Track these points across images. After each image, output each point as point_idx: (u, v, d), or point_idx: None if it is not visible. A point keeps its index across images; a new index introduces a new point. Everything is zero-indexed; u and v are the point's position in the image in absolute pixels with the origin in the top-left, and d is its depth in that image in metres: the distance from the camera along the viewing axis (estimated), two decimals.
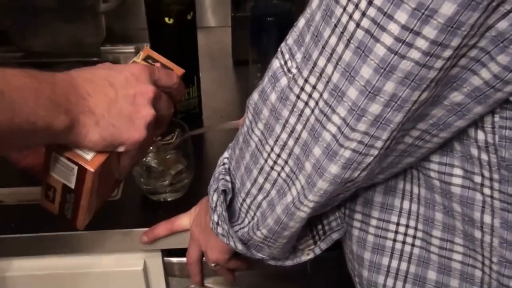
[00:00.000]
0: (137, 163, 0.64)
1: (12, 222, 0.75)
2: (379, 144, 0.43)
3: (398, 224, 0.54)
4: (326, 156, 0.45)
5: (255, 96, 0.51)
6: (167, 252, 0.81)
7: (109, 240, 0.75)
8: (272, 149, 0.49)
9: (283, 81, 0.47)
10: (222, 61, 1.14)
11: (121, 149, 0.53)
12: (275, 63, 0.48)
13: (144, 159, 0.78)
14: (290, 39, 0.48)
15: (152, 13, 0.87)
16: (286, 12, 0.98)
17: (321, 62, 0.43)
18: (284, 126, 0.47)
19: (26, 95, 0.45)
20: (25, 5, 1.09)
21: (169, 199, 0.79)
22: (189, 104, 0.94)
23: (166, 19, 0.86)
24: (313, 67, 0.44)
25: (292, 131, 0.47)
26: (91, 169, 0.51)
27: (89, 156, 0.52)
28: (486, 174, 0.46)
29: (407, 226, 0.53)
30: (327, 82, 0.43)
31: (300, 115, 0.46)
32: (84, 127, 0.49)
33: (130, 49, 1.17)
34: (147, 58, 0.62)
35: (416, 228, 0.53)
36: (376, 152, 0.44)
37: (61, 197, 0.55)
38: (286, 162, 0.49)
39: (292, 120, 0.47)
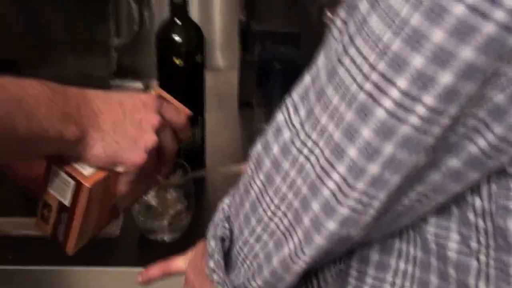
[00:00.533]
0: (136, 197, 0.65)
1: (10, 254, 0.75)
2: (376, 204, 0.44)
3: (393, 284, 0.54)
4: (324, 212, 0.45)
5: (258, 146, 0.52)
6: None
7: (104, 277, 0.75)
8: (271, 200, 0.50)
9: (286, 134, 0.48)
10: (228, 102, 1.15)
11: (120, 168, 0.54)
12: (280, 116, 0.49)
13: (144, 197, 0.79)
14: (295, 94, 0.49)
15: (162, 53, 0.89)
16: (293, 60, 1.00)
17: (324, 120, 0.44)
18: (284, 179, 0.48)
19: (41, 104, 0.47)
20: (39, 37, 1.11)
21: (166, 239, 0.80)
22: (193, 143, 0.95)
23: (176, 60, 0.88)
24: (315, 124, 0.45)
25: (292, 184, 0.48)
26: (87, 185, 0.52)
27: (87, 172, 0.53)
28: (483, 241, 0.47)
29: (402, 286, 0.53)
30: (329, 139, 0.44)
31: (301, 169, 0.47)
32: (91, 139, 0.51)
33: (139, 84, 1.19)
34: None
35: None
36: (373, 212, 0.45)
37: (56, 216, 0.56)
38: (285, 214, 0.49)
39: (293, 174, 0.47)
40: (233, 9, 1.19)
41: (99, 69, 1.18)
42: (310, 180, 0.46)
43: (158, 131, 0.55)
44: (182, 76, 0.90)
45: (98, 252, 0.76)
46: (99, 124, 0.51)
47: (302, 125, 0.46)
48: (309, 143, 0.46)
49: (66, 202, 0.54)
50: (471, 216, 0.47)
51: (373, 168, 0.42)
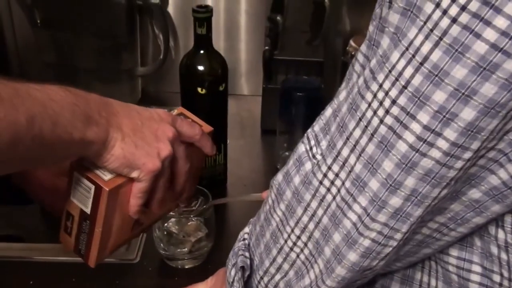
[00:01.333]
0: (157, 215, 0.65)
1: (31, 280, 0.75)
2: (398, 236, 0.44)
3: None
4: (345, 243, 0.45)
5: (279, 177, 0.52)
6: None
7: None
8: (292, 231, 0.50)
9: (308, 165, 0.48)
10: (251, 129, 1.16)
11: (135, 174, 0.55)
12: (301, 148, 0.49)
13: (165, 224, 0.79)
14: (317, 126, 0.49)
15: (186, 82, 0.91)
16: (315, 88, 1.00)
17: (345, 152, 0.44)
18: (305, 209, 0.48)
19: (65, 108, 0.49)
20: (69, 66, 1.14)
21: (186, 267, 0.80)
22: (214, 170, 0.96)
23: (199, 89, 0.89)
24: (336, 156, 0.45)
25: (313, 215, 0.48)
26: (106, 188, 0.54)
27: (107, 177, 0.54)
28: (505, 274, 0.46)
29: None
30: (350, 171, 0.44)
31: (321, 200, 0.47)
32: (111, 139, 0.52)
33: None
34: (179, 115, 0.66)
35: None
36: (395, 244, 0.44)
37: (78, 226, 0.57)
38: (305, 244, 0.49)
39: (314, 205, 0.47)
40: (258, 38, 1.21)
41: (124, 96, 1.21)
42: (331, 211, 0.46)
43: (172, 143, 0.57)
44: (205, 104, 0.90)
45: (118, 277, 0.76)
46: (119, 125, 0.53)
47: (323, 156, 0.46)
48: (331, 175, 0.46)
49: (88, 209, 0.55)
50: (494, 248, 0.46)
51: (395, 201, 0.42)
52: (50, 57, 1.15)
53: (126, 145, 0.53)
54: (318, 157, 0.47)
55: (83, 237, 0.57)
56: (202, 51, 0.88)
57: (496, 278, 0.46)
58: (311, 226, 0.48)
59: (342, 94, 0.47)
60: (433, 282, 0.52)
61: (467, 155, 0.39)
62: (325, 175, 0.46)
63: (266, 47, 1.10)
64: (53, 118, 0.47)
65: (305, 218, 0.48)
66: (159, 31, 1.21)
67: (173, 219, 0.79)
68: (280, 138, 1.02)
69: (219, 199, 0.80)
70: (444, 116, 0.38)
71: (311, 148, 0.48)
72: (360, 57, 0.47)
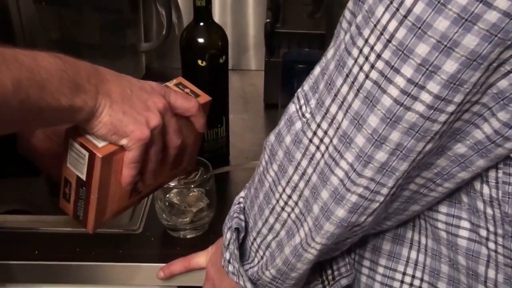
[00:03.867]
0: (155, 185, 0.66)
1: (36, 249, 0.77)
2: (384, 191, 0.45)
3: (404, 273, 0.54)
4: (333, 199, 0.46)
5: (271, 137, 0.53)
6: None
7: (125, 273, 0.76)
8: (283, 190, 0.51)
9: (298, 125, 0.48)
10: (254, 104, 1.16)
11: (124, 141, 0.55)
12: (291, 107, 0.50)
13: (167, 195, 0.80)
14: (306, 86, 0.49)
15: (186, 55, 0.91)
16: (317, 61, 1.00)
17: (333, 109, 0.44)
18: (296, 168, 0.49)
19: (53, 75, 0.49)
20: (72, 40, 1.15)
21: (188, 236, 0.81)
22: (216, 144, 0.96)
23: (199, 62, 0.89)
24: (325, 113, 0.45)
25: (303, 174, 0.48)
26: (99, 155, 0.54)
27: (100, 144, 0.55)
28: (491, 228, 0.46)
29: (413, 276, 0.53)
30: (337, 128, 0.44)
31: (311, 158, 0.47)
32: (99, 107, 0.52)
33: None
34: (178, 84, 0.66)
35: (422, 279, 0.52)
36: (382, 199, 0.45)
37: (75, 193, 0.58)
38: (296, 203, 0.50)
39: (304, 163, 0.48)
40: (263, 13, 1.21)
41: (128, 72, 1.20)
42: (320, 168, 0.46)
43: (162, 114, 0.56)
44: (206, 77, 0.91)
45: (121, 247, 0.78)
46: (108, 92, 0.53)
47: (312, 115, 0.47)
48: (319, 133, 0.46)
49: (83, 176, 0.56)
50: (480, 204, 0.47)
51: (380, 155, 0.43)
52: (54, 34, 1.16)
53: (114, 112, 0.53)
54: (308, 115, 0.47)
55: (80, 204, 0.58)
56: (201, 24, 0.88)
57: (483, 232, 0.47)
58: (301, 184, 0.49)
59: (330, 52, 0.47)
60: (423, 240, 0.52)
61: (450, 108, 0.39)
62: (314, 133, 0.46)
63: (268, 20, 1.09)
64: (40, 84, 0.47)
65: (295, 177, 0.49)
66: (162, 7, 1.21)
67: (174, 190, 0.80)
68: (282, 111, 1.01)
69: (219, 168, 0.81)
70: (427, 69, 0.38)
71: (300, 107, 0.48)
72: (347, 14, 0.47)
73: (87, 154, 0.55)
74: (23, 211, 0.93)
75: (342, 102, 0.43)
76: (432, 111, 0.40)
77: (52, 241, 0.79)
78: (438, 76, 0.38)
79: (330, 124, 0.45)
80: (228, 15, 1.24)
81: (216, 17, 0.89)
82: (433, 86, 0.39)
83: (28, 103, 0.47)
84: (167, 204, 0.80)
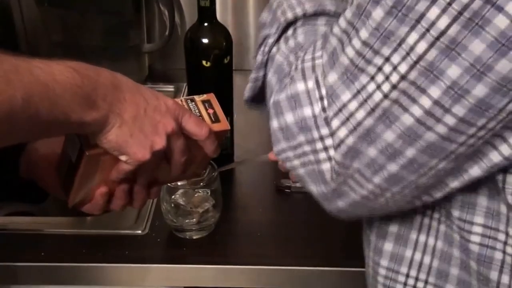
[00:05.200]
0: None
1: (42, 251, 0.77)
2: (388, 194, 0.45)
3: (407, 275, 0.53)
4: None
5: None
6: None
7: (132, 274, 0.76)
8: None
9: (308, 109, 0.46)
10: None
11: (123, 158, 0.55)
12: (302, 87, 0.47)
13: (172, 196, 0.80)
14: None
15: (190, 56, 0.91)
16: None
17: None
18: None
19: (67, 90, 0.48)
20: (74, 42, 1.15)
21: (194, 237, 0.81)
22: (221, 144, 0.96)
23: (204, 62, 0.89)
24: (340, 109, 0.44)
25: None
26: (87, 152, 0.55)
27: (93, 142, 0.55)
28: None
29: (416, 278, 0.52)
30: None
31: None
32: (109, 125, 0.52)
33: (170, 88, 1.21)
34: (205, 101, 0.65)
35: (426, 282, 0.52)
36: (383, 200, 0.46)
37: (66, 170, 0.59)
38: None
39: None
40: None
41: (131, 74, 1.20)
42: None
43: (169, 137, 0.56)
44: (210, 78, 0.91)
45: (127, 248, 0.78)
46: (120, 112, 0.53)
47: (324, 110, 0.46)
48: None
49: (73, 159, 0.57)
50: (503, 207, 0.46)
51: (392, 167, 0.43)
52: (57, 36, 1.16)
53: (122, 133, 0.53)
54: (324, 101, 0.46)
55: (67, 180, 0.59)
56: (206, 24, 0.88)
57: (501, 237, 0.46)
58: None
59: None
60: (430, 241, 0.52)
61: (472, 130, 0.39)
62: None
63: None
64: (52, 100, 0.47)
65: None
66: (165, 7, 1.21)
67: (180, 191, 0.80)
68: None
69: (225, 165, 0.81)
70: (456, 92, 0.38)
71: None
72: (343, 24, 0.45)
73: (79, 145, 0.55)
74: (27, 212, 0.93)
75: (348, 119, 0.43)
76: (452, 133, 0.39)
77: (58, 243, 0.79)
78: (466, 100, 0.38)
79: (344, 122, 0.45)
80: (229, 15, 1.24)
81: (217, 17, 0.89)
82: (459, 110, 0.38)
83: (36, 118, 0.46)
84: (172, 205, 0.80)
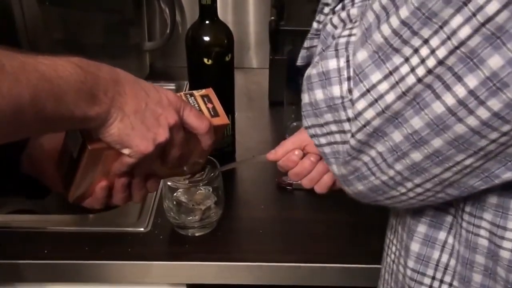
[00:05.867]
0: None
1: (45, 249, 0.77)
2: (409, 184, 0.45)
3: (433, 278, 0.52)
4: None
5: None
6: (192, 287, 0.82)
7: (135, 271, 0.77)
8: None
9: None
10: (259, 102, 1.16)
11: (126, 151, 0.55)
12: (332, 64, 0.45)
13: (174, 194, 0.80)
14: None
15: (192, 53, 0.91)
16: None
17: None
18: None
19: (71, 86, 0.49)
20: (75, 40, 1.15)
21: (197, 234, 0.81)
22: (222, 142, 0.96)
23: (205, 60, 0.89)
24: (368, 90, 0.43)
25: None
26: (89, 147, 0.55)
27: (95, 137, 0.55)
28: None
29: (441, 281, 0.52)
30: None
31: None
32: (111, 118, 0.53)
33: (171, 86, 1.21)
34: (204, 96, 0.65)
35: (451, 284, 0.51)
36: (403, 189, 0.46)
37: (68, 164, 0.60)
38: None
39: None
40: (265, 11, 1.21)
41: (132, 72, 1.20)
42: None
43: (172, 130, 0.57)
44: (212, 75, 0.91)
45: (130, 246, 0.78)
46: (122, 106, 0.53)
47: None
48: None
49: (75, 154, 0.57)
50: None
51: (416, 156, 0.41)
52: (58, 33, 1.16)
53: (124, 126, 0.53)
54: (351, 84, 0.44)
55: (68, 175, 0.60)
56: (207, 22, 0.88)
57: None
58: None
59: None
60: (456, 245, 0.51)
61: (506, 128, 0.37)
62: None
63: (272, 18, 1.09)
64: (57, 96, 0.47)
65: None
66: (166, 5, 1.21)
67: (181, 189, 0.80)
68: (288, 109, 1.02)
69: (226, 165, 0.81)
70: (494, 84, 0.35)
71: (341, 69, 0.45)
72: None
73: (81, 140, 0.56)
74: (30, 210, 0.93)
75: (376, 100, 0.41)
76: (484, 127, 0.37)
77: (61, 241, 0.79)
78: (503, 94, 0.36)
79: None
80: (229, 13, 1.24)
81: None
82: (495, 103, 0.36)
83: (42, 114, 0.47)
84: (175, 202, 0.80)
